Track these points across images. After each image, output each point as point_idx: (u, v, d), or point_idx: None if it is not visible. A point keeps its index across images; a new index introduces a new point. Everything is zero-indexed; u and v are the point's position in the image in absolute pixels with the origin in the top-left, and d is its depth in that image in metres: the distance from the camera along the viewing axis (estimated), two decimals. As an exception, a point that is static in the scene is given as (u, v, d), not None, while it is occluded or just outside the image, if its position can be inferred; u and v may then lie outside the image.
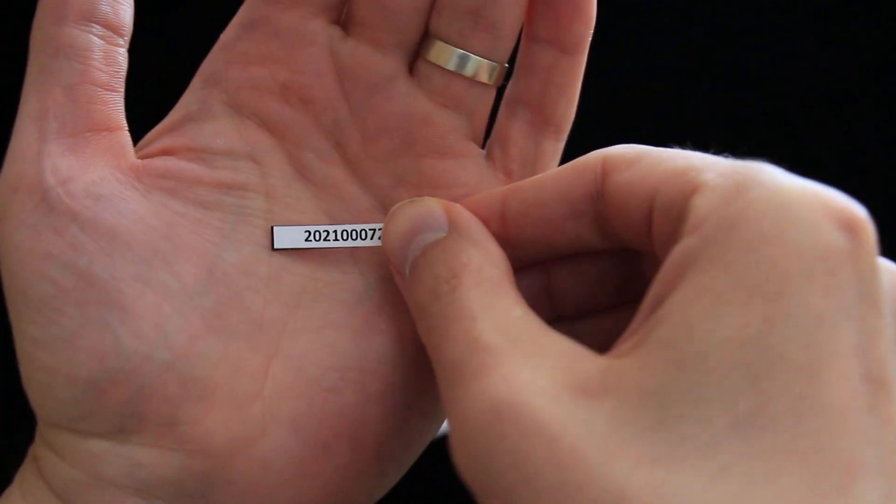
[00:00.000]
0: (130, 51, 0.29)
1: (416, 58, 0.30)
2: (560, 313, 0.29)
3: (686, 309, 0.21)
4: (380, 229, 0.29)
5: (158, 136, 0.30)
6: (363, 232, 0.30)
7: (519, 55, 0.30)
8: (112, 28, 0.28)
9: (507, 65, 0.30)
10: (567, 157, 0.53)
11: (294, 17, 0.29)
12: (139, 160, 0.29)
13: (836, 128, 0.56)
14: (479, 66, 0.30)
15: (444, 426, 0.54)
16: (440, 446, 0.54)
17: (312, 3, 0.29)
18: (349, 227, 0.30)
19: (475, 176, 0.30)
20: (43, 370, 0.27)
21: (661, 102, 0.59)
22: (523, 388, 0.22)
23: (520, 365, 0.22)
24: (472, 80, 0.30)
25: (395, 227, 0.28)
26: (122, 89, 0.29)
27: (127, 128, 0.29)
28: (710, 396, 0.20)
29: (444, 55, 0.29)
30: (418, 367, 0.29)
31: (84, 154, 0.28)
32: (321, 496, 0.29)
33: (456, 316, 0.24)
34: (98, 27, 0.28)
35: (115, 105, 0.29)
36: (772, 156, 0.57)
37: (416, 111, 0.30)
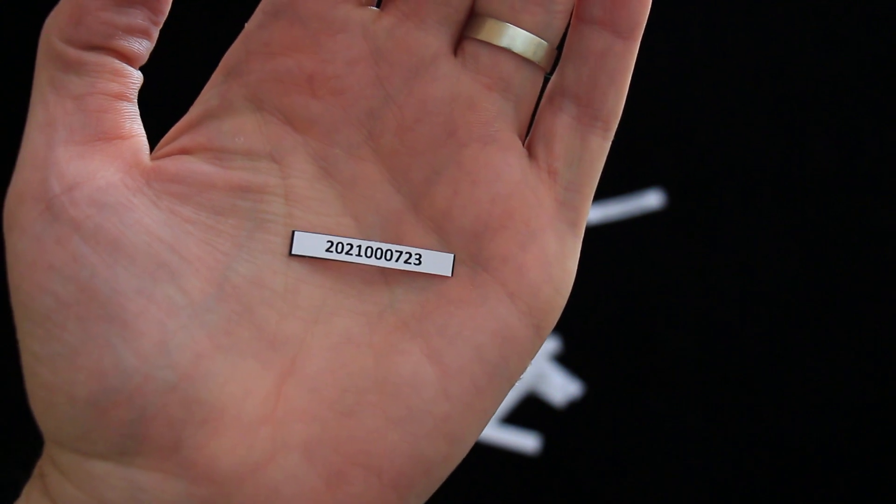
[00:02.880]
0: (157, 49, 0.28)
1: (460, 38, 0.28)
2: None
3: None
4: (408, 253, 0.28)
5: (177, 134, 0.28)
6: (390, 252, 0.28)
7: (567, 41, 0.28)
8: (125, 57, 0.27)
9: (557, 49, 0.28)
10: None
11: (321, 1, 0.27)
12: (151, 163, 0.27)
13: (836, 127, 0.55)
14: (531, 43, 0.27)
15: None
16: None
17: None
18: (375, 245, 0.28)
19: (518, 173, 0.28)
20: (44, 387, 0.26)
21: (661, 102, 0.58)
22: None
23: None
24: (522, 59, 0.28)
25: None
26: (135, 98, 0.27)
27: (143, 135, 0.28)
28: None
29: (494, 30, 0.27)
30: (442, 390, 0.27)
31: (93, 161, 0.26)
32: None
33: None
34: (110, 55, 0.27)
35: (128, 114, 0.27)
36: (771, 156, 0.56)
37: (461, 94, 0.28)
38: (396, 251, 0.28)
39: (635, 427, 0.56)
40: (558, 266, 0.28)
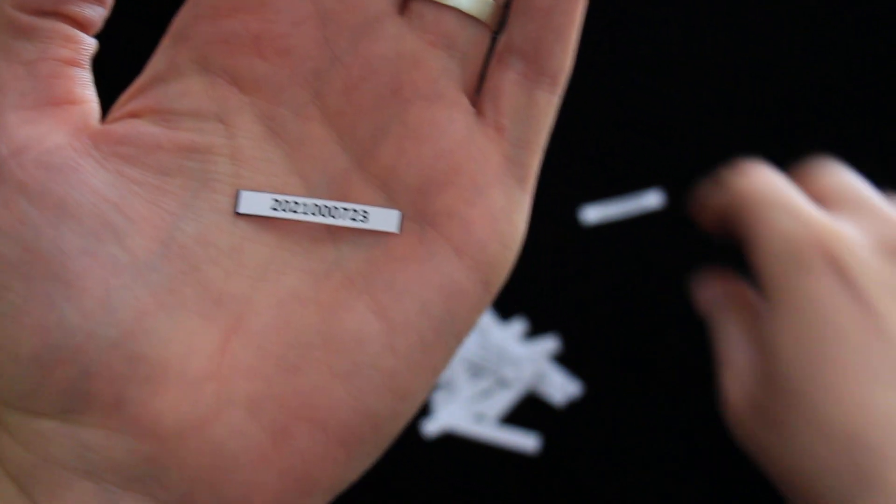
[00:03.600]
0: (121, 25, 0.28)
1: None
2: None
3: None
4: (354, 210, 0.28)
5: (127, 100, 0.28)
6: (336, 209, 0.28)
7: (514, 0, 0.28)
8: (78, 24, 0.27)
9: (505, 7, 0.29)
10: (570, 155, 0.53)
11: None
12: (99, 127, 0.27)
13: (836, 127, 0.55)
14: (475, 1, 0.28)
15: (436, 425, 0.54)
16: (439, 447, 0.53)
17: None
18: (321, 203, 0.28)
19: (463, 130, 0.28)
20: None
21: (661, 102, 0.58)
22: None
23: None
24: (467, 17, 0.28)
25: None
26: (89, 65, 0.28)
27: (94, 101, 0.28)
28: None
29: None
30: (389, 345, 0.27)
31: (42, 125, 0.27)
32: (280, 482, 0.27)
33: None
34: (62, 21, 0.27)
35: (80, 80, 0.27)
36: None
37: (406, 52, 0.28)
38: (343, 208, 0.28)
39: (635, 427, 0.56)
40: (506, 221, 0.29)
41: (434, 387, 0.29)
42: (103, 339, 0.26)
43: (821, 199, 0.46)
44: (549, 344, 0.56)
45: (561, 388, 0.56)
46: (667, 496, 0.55)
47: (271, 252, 0.28)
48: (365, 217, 0.28)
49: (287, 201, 0.28)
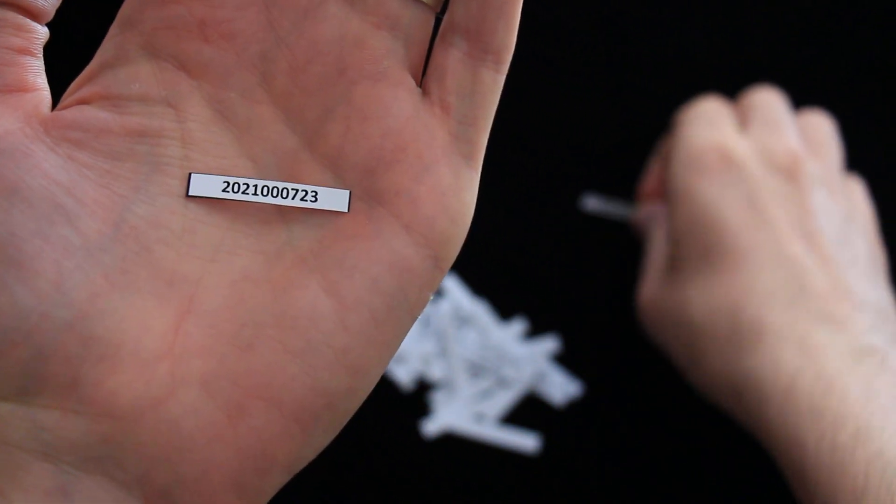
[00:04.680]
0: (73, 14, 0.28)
1: None
2: None
3: None
4: (304, 191, 0.28)
5: (76, 88, 0.29)
6: (286, 190, 0.28)
7: None
8: (29, 13, 0.28)
9: None
10: (570, 155, 0.53)
11: None
12: (50, 114, 0.28)
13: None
14: None
15: (436, 425, 0.54)
16: (439, 447, 0.53)
17: None
18: (271, 184, 0.28)
19: (409, 108, 0.29)
20: None
21: (661, 102, 0.58)
22: None
23: None
24: None
25: None
26: (40, 53, 0.28)
27: (46, 89, 0.28)
28: None
29: None
30: (341, 322, 0.28)
31: None
32: (237, 459, 0.27)
33: None
34: (13, 10, 0.27)
35: (31, 68, 0.28)
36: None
37: (350, 33, 0.28)
38: (293, 189, 0.28)
39: (635, 427, 0.56)
40: (454, 197, 0.29)
41: (388, 363, 0.29)
42: (57, 320, 0.26)
43: (741, 118, 0.53)
44: (549, 344, 0.56)
45: (561, 388, 0.56)
46: (667, 496, 0.55)
47: (223, 233, 0.28)
48: (315, 197, 0.28)
49: (237, 183, 0.28)
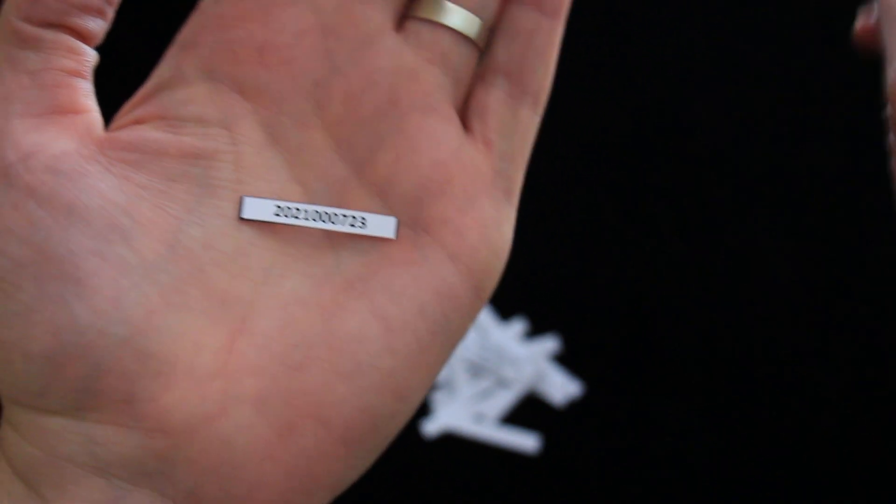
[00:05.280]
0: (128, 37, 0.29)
1: (403, 17, 0.30)
2: None
3: None
4: (353, 216, 0.29)
5: (132, 107, 0.29)
6: (336, 216, 0.29)
7: (498, 22, 0.30)
8: (80, 36, 0.28)
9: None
10: (570, 155, 0.53)
11: None
12: (105, 134, 0.28)
13: (836, 128, 0.55)
14: (468, 20, 0.30)
15: (436, 425, 0.54)
16: (439, 447, 0.54)
17: None
18: (321, 209, 0.29)
19: (456, 142, 0.30)
20: (1, 346, 0.27)
21: (660, 102, 0.58)
22: None
23: None
24: (460, 36, 0.30)
25: None
26: (91, 76, 0.29)
27: (97, 111, 0.29)
28: None
29: (433, 7, 0.29)
30: (388, 346, 0.28)
31: (48, 132, 0.27)
32: (286, 478, 0.28)
33: None
34: (66, 32, 0.28)
35: (83, 90, 0.28)
36: (771, 156, 0.56)
37: (404, 66, 0.29)
38: (342, 215, 0.29)
39: (635, 427, 0.56)
40: (495, 230, 0.30)
41: (430, 388, 0.30)
42: (114, 336, 0.27)
43: None
44: (549, 344, 0.56)
45: (561, 388, 0.56)
46: (666, 496, 0.55)
47: (273, 256, 0.29)
48: (363, 223, 0.29)
49: (289, 207, 0.28)
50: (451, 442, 0.54)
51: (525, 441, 0.55)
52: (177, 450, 0.27)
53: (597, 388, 0.56)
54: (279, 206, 0.28)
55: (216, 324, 0.28)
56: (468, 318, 0.30)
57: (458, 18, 0.29)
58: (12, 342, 0.26)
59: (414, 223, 0.29)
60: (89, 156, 0.27)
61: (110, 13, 0.28)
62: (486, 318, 0.56)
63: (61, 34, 0.27)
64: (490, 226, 0.30)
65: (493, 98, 0.30)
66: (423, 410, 0.54)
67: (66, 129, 0.28)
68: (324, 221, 0.29)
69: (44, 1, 0.27)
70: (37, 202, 0.26)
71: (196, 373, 0.27)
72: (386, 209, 0.29)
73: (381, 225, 0.29)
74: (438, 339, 0.29)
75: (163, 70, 0.29)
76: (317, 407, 0.28)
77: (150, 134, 0.28)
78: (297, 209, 0.28)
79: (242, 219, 0.28)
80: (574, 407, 0.56)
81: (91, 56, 0.28)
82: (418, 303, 0.29)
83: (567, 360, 0.57)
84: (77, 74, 0.28)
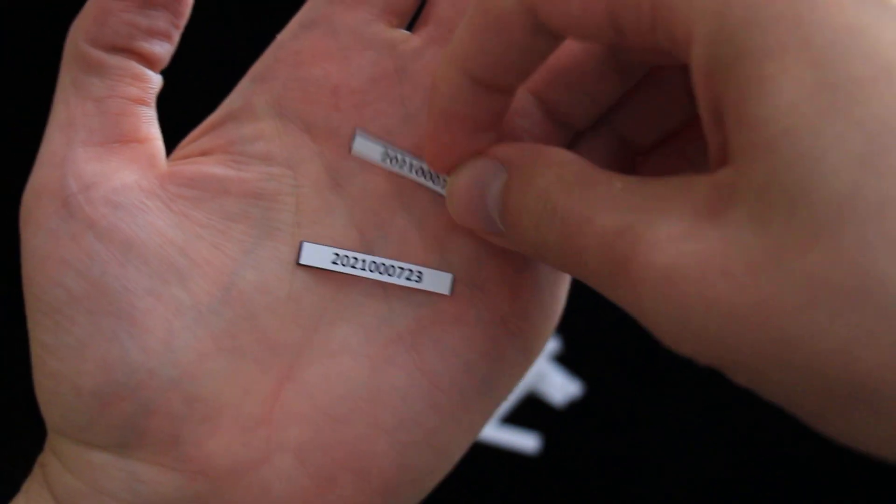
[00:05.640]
0: (189, 62, 0.28)
1: None
2: (636, 163, 0.29)
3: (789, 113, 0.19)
4: (409, 270, 0.28)
5: (199, 135, 0.29)
6: (393, 268, 0.28)
7: None
8: (146, 60, 0.27)
9: None
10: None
11: (356, 17, 0.28)
12: (168, 167, 0.28)
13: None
14: None
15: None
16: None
17: (376, 4, 0.28)
18: (379, 260, 0.28)
19: None
20: (51, 376, 0.26)
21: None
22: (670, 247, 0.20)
23: (653, 225, 0.21)
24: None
25: (457, 198, 0.27)
26: (154, 103, 0.28)
27: (159, 139, 0.28)
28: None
29: None
30: (432, 402, 0.28)
31: (110, 162, 0.27)
32: None
33: (573, 229, 0.23)
34: (131, 57, 0.27)
35: (146, 118, 0.28)
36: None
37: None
38: (399, 267, 0.28)
39: (635, 427, 0.56)
40: (549, 292, 0.29)
41: (470, 445, 0.29)
42: (164, 377, 0.26)
43: None
44: (549, 344, 0.56)
45: (561, 388, 0.56)
46: (667, 496, 0.56)
47: (325, 304, 0.28)
48: (419, 278, 0.29)
49: (347, 256, 0.28)
50: (451, 441, 0.54)
51: (525, 441, 0.55)
52: (217, 494, 0.27)
53: (597, 388, 0.57)
54: (337, 255, 0.28)
55: (264, 370, 0.27)
56: (515, 379, 0.29)
57: None
58: (63, 374, 0.26)
59: (469, 280, 0.29)
60: (150, 190, 0.27)
61: (176, 37, 0.28)
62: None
63: (127, 59, 0.27)
64: (544, 288, 0.29)
65: None
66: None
67: (128, 160, 0.27)
68: (380, 273, 0.28)
69: (111, 24, 0.27)
70: (95, 235, 0.26)
71: (242, 419, 0.27)
72: (443, 264, 0.29)
73: (438, 280, 0.29)
74: (483, 399, 0.29)
75: (233, 100, 0.29)
76: (357, 460, 0.28)
77: (212, 170, 0.28)
78: (355, 258, 0.28)
79: (300, 264, 0.28)
80: (574, 407, 0.56)
81: (156, 82, 0.28)
82: (466, 361, 0.28)
83: (567, 360, 0.57)
84: (141, 102, 0.27)
